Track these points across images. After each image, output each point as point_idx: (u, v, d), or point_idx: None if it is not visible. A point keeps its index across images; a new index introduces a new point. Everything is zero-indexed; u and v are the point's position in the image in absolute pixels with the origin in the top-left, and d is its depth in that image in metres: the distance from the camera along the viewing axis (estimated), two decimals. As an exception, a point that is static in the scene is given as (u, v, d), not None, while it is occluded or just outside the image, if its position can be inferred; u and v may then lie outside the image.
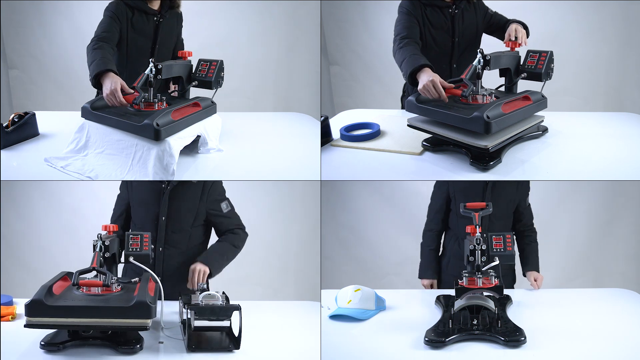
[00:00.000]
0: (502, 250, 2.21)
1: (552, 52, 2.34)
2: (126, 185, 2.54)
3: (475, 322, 2.07)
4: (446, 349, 1.98)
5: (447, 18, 2.66)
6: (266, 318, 2.36)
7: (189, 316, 2.04)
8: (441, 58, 2.69)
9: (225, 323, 2.06)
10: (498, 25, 2.68)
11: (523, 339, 1.98)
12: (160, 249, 2.47)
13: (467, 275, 2.14)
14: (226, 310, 2.03)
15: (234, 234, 2.56)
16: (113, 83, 2.26)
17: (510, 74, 2.46)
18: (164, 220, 2.46)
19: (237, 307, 2.03)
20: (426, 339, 2.00)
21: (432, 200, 2.75)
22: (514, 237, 2.29)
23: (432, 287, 2.73)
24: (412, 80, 2.38)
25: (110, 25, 2.58)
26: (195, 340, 2.03)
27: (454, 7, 2.66)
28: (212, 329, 2.08)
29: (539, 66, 2.36)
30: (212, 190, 2.51)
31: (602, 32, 3.81)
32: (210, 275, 2.44)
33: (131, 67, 2.65)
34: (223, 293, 2.13)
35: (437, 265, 2.75)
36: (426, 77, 2.27)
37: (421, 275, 2.76)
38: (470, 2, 2.69)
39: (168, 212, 2.46)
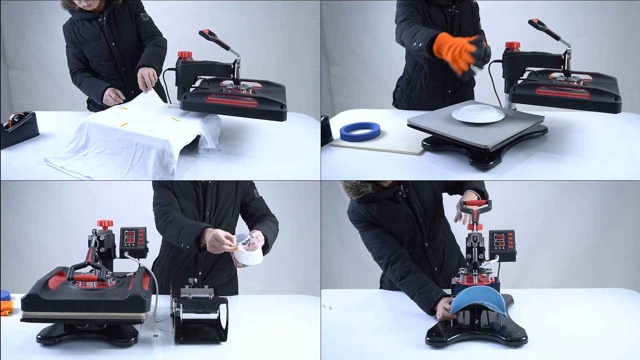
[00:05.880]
0: (503, 248, 2.21)
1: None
2: (164, 184, 2.46)
3: (476, 321, 2.07)
4: (447, 349, 1.98)
5: (446, 17, 2.67)
6: (261, 311, 2.38)
7: (177, 309, 2.06)
8: None
9: (213, 316, 2.09)
10: None
11: (524, 338, 1.98)
12: None
13: (464, 272, 2.14)
14: (213, 303, 2.06)
15: (271, 216, 2.55)
16: (112, 91, 2.72)
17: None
18: (208, 215, 2.46)
19: (224, 300, 2.06)
20: (427, 338, 2.00)
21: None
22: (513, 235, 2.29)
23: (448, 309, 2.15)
24: (430, 49, 2.29)
25: (72, 56, 2.83)
26: (183, 332, 2.05)
27: (453, 7, 2.66)
28: (200, 322, 2.10)
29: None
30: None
31: (602, 32, 3.81)
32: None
33: (103, 77, 2.82)
34: (214, 287, 2.18)
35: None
36: (457, 49, 2.15)
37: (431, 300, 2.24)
38: (468, 3, 2.69)
39: (212, 206, 2.46)
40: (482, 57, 2.10)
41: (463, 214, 2.20)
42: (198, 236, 2.22)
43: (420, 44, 2.31)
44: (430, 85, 2.79)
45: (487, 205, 2.23)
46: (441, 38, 2.25)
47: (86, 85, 2.80)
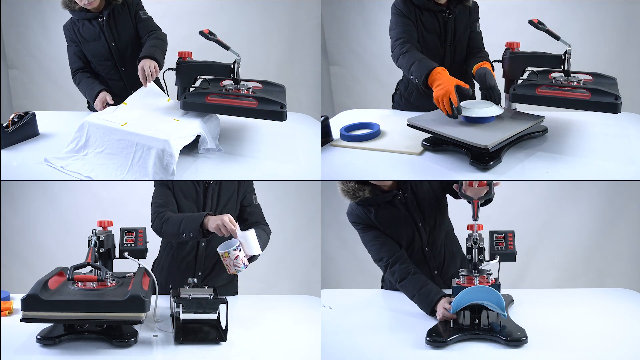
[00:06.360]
0: (503, 248, 2.21)
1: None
2: (165, 183, 2.46)
3: (476, 321, 2.07)
4: (447, 349, 1.98)
5: (439, 22, 2.65)
6: (261, 311, 2.39)
7: (177, 309, 2.06)
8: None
9: (213, 316, 2.09)
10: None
11: (524, 338, 1.98)
12: (202, 244, 2.48)
13: (464, 273, 2.14)
14: (212, 303, 2.07)
15: (265, 225, 2.55)
16: (99, 100, 2.67)
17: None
18: None
19: (224, 300, 2.06)
20: (427, 338, 2.00)
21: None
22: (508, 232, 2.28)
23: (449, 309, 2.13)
24: (425, 84, 2.37)
25: (73, 55, 2.81)
26: (183, 332, 2.05)
27: (447, 12, 2.65)
28: (200, 322, 2.10)
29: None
30: (247, 181, 2.53)
31: (602, 32, 3.81)
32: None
33: (103, 77, 2.81)
34: (213, 287, 2.18)
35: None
36: (442, 91, 2.27)
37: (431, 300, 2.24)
38: (465, 6, 2.67)
39: (212, 207, 2.46)
40: (454, 114, 2.26)
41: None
42: (202, 221, 2.22)
43: (416, 80, 2.41)
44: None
45: (488, 194, 2.19)
46: (435, 73, 2.35)
47: (83, 85, 2.79)
